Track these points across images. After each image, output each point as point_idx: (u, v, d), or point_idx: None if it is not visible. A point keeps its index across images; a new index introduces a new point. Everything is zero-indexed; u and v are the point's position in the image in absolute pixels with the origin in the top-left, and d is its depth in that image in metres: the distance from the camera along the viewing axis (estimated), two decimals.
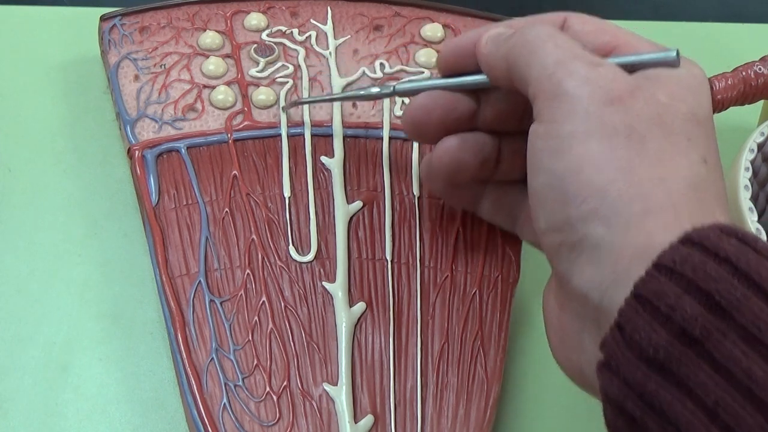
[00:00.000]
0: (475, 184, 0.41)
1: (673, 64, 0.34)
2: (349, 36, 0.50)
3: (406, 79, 0.42)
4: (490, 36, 0.37)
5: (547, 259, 0.34)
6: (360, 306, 0.40)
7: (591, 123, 0.32)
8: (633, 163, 0.31)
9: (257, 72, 0.48)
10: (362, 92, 0.44)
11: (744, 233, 0.29)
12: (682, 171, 0.31)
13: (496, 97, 0.40)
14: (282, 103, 0.47)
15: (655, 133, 0.32)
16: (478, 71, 0.39)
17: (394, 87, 0.42)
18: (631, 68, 0.34)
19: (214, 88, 0.47)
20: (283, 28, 0.50)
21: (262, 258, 0.41)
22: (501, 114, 0.40)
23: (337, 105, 0.47)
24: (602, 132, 0.31)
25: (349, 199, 0.44)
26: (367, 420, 0.38)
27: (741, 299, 0.27)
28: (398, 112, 0.47)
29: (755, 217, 0.39)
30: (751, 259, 0.28)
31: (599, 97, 0.32)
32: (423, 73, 0.49)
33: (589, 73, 0.33)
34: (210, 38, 0.49)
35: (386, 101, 0.47)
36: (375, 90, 0.43)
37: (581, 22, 0.37)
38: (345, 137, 0.46)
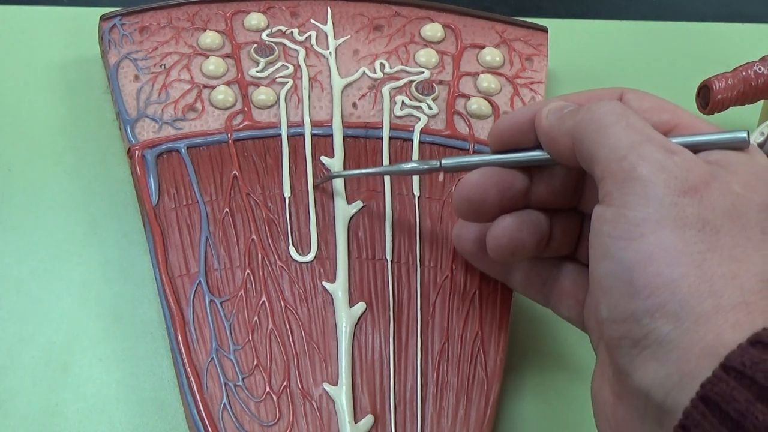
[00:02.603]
0: None
1: (742, 146, 0.33)
2: (349, 36, 0.50)
3: (453, 157, 0.39)
4: (551, 109, 0.36)
5: (605, 349, 0.32)
6: (360, 306, 0.40)
7: (665, 212, 0.31)
8: (705, 258, 0.30)
9: (257, 72, 0.48)
10: (405, 167, 0.41)
11: None
12: (756, 267, 0.30)
13: (550, 174, 0.38)
14: (283, 104, 0.47)
15: (728, 227, 0.31)
16: (532, 148, 0.37)
17: (440, 162, 0.40)
18: (694, 148, 0.33)
19: (214, 88, 0.47)
20: (283, 28, 0.50)
21: (262, 258, 0.41)
22: (554, 191, 0.38)
23: (337, 105, 0.47)
24: (676, 223, 0.30)
25: (349, 199, 0.44)
26: (367, 420, 0.38)
27: None
28: (398, 113, 0.47)
29: None
30: None
31: (674, 186, 0.31)
32: (423, 73, 0.49)
33: (665, 159, 0.32)
34: (210, 38, 0.49)
35: (386, 101, 0.48)
36: (417, 165, 0.41)
37: (639, 98, 0.36)
38: (345, 137, 0.46)
